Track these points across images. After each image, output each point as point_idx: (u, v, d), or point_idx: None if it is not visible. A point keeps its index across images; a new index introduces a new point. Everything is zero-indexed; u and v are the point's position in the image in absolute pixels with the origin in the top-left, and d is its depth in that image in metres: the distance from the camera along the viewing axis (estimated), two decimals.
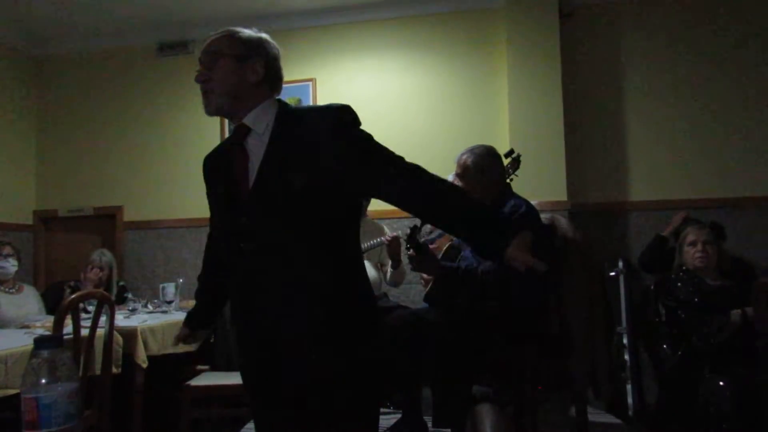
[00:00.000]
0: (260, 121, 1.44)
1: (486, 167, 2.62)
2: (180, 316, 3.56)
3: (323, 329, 1.34)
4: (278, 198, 1.35)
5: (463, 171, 2.66)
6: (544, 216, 2.66)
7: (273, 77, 1.50)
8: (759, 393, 2.55)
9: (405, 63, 4.27)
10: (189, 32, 4.53)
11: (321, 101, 4.29)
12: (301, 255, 1.34)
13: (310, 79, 4.31)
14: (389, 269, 3.41)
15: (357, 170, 1.39)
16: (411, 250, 2.51)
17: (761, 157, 3.84)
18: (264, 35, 1.54)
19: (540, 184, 3.75)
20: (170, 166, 4.53)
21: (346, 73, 4.33)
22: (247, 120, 1.44)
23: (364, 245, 3.32)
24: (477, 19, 4.15)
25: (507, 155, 2.80)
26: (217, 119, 4.43)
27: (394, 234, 3.23)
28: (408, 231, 2.57)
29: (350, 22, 4.33)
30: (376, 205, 3.88)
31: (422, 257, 2.53)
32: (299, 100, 4.31)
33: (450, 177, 2.73)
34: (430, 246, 2.97)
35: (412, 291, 3.96)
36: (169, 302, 3.74)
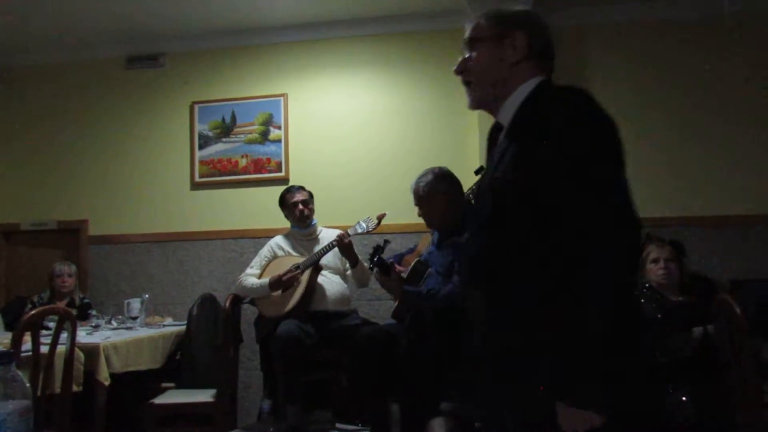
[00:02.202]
0: (508, 112, 1.29)
1: (438, 192, 2.66)
2: (145, 333, 3.50)
3: None
4: (489, 209, 1.24)
5: (418, 199, 2.70)
6: None
7: (539, 53, 1.29)
8: (721, 408, 2.60)
9: (376, 80, 4.30)
10: (159, 45, 4.49)
11: (292, 117, 4.29)
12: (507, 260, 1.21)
13: (282, 95, 4.31)
14: (350, 270, 3.41)
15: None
16: (375, 270, 2.52)
17: (722, 175, 3.95)
18: (529, 8, 1.39)
19: None
20: (137, 181, 4.46)
21: (318, 89, 4.34)
22: (501, 114, 1.31)
23: (316, 253, 3.31)
24: (447, 38, 4.19)
25: (477, 172, 2.83)
26: (185, 132, 4.39)
27: (341, 233, 3.23)
28: (371, 250, 2.59)
29: (323, 38, 4.35)
30: (340, 220, 3.89)
31: (385, 278, 2.54)
32: (270, 115, 4.30)
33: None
34: (398, 264, 2.98)
35: (381, 307, 3.95)
36: (134, 318, 3.67)
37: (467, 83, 1.34)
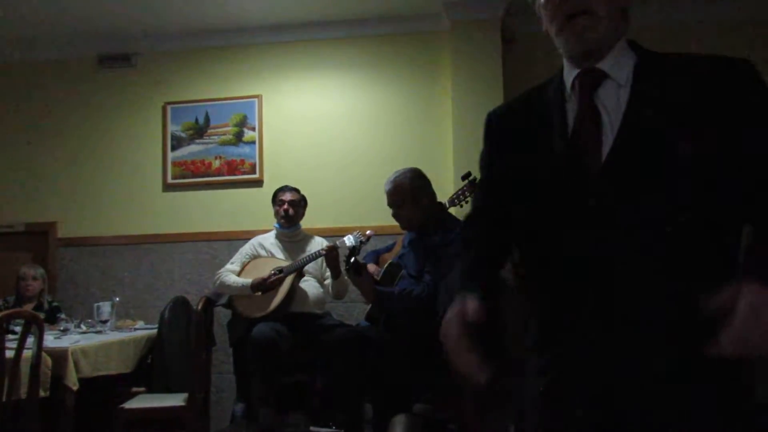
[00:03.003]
0: (621, 68, 1.07)
1: (416, 191, 2.67)
2: (115, 336, 3.45)
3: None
4: (653, 174, 0.99)
5: (394, 199, 2.71)
6: None
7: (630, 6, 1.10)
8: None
9: (351, 82, 4.30)
10: (132, 45, 4.43)
11: (267, 118, 4.27)
12: (688, 252, 0.99)
13: (257, 96, 4.28)
14: (330, 281, 3.42)
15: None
16: (349, 270, 2.53)
17: None
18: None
19: None
20: (108, 182, 4.39)
21: (292, 91, 4.33)
22: (605, 64, 1.07)
23: (302, 259, 3.32)
24: (422, 42, 4.23)
25: (464, 177, 2.85)
26: (158, 133, 4.34)
27: (331, 244, 3.24)
28: (347, 251, 2.59)
29: (298, 40, 4.34)
30: (315, 222, 3.88)
31: (358, 279, 2.54)
32: (244, 117, 4.27)
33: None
34: (375, 264, 2.99)
35: (355, 309, 3.95)
36: (104, 322, 3.61)
37: (581, 14, 1.04)
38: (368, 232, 3.19)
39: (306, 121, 4.29)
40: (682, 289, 0.98)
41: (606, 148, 1.03)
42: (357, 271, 2.59)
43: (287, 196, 3.52)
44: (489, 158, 1.24)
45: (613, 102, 1.05)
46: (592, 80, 1.08)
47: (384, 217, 3.16)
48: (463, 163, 3.79)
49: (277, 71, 4.35)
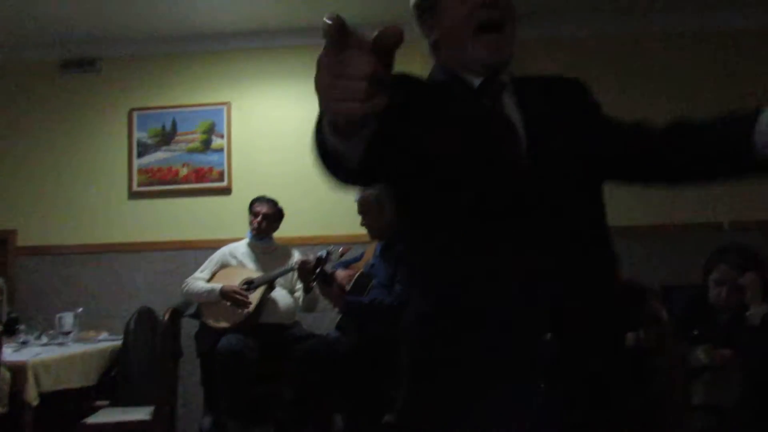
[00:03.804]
0: (507, 77, 1.17)
1: (384, 198, 2.68)
2: (78, 348, 3.36)
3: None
4: (567, 163, 1.10)
5: (364, 208, 2.71)
6: None
7: None
8: (650, 414, 2.71)
9: None
10: (96, 50, 4.34)
11: (236, 125, 4.23)
12: (593, 224, 1.14)
13: (225, 103, 4.24)
14: (301, 294, 3.40)
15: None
16: (317, 282, 2.52)
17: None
18: None
19: None
20: (71, 189, 4.28)
21: (262, 98, 4.30)
22: (506, 74, 1.17)
23: (274, 272, 3.29)
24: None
25: None
26: (123, 139, 4.26)
27: (303, 258, 3.21)
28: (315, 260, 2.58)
29: (266, 47, 4.31)
30: (284, 231, 3.85)
31: (327, 290, 2.53)
32: (213, 124, 4.22)
33: None
34: (343, 270, 2.98)
35: (325, 319, 3.93)
36: (67, 333, 3.53)
37: (501, 24, 1.10)
38: (342, 248, 3.17)
39: (276, 128, 4.26)
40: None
41: (522, 140, 1.09)
42: (325, 281, 2.58)
43: (263, 208, 3.48)
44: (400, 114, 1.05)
45: (513, 112, 1.12)
46: (499, 88, 1.15)
47: (354, 226, 3.15)
48: None
49: (247, 78, 4.31)
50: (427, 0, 1.18)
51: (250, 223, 3.50)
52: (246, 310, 3.21)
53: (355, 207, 2.86)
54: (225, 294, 3.23)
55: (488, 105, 1.13)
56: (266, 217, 3.47)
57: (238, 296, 3.22)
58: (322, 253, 3.00)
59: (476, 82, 1.15)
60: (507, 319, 1.00)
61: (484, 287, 1.02)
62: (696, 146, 1.09)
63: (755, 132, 0.97)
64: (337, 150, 0.89)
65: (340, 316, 2.98)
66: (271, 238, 3.56)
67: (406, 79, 1.17)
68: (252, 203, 3.55)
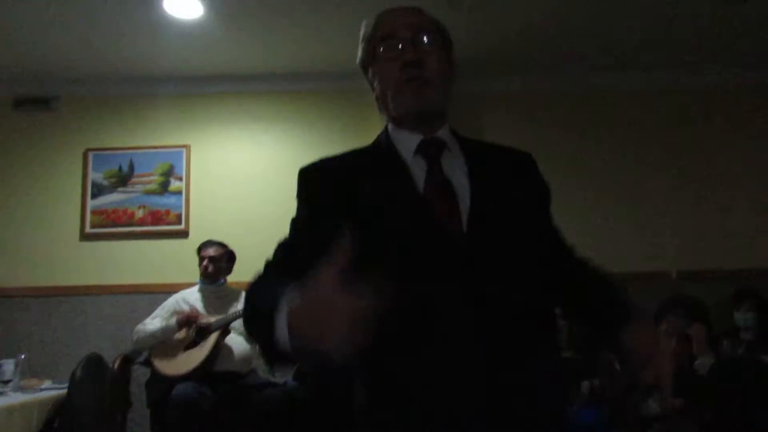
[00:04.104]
0: (452, 141, 1.18)
1: None
2: (21, 398, 3.18)
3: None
4: (511, 237, 1.09)
5: None
6: None
7: None
8: None
9: (282, 136, 4.32)
10: (51, 88, 4.27)
11: (195, 168, 4.19)
12: (542, 304, 1.12)
13: (185, 146, 4.21)
14: None
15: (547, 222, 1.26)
16: None
17: (615, 235, 4.17)
18: None
19: None
20: (16, 229, 4.13)
21: (220, 142, 4.29)
22: (443, 133, 1.18)
23: (228, 316, 3.23)
24: (352, 98, 4.29)
25: None
26: (77, 180, 4.15)
27: None
28: None
29: (225, 91, 4.33)
30: (241, 275, 3.80)
31: None
32: (171, 166, 4.17)
33: None
34: None
35: None
36: (6, 382, 3.34)
37: (419, 79, 1.12)
38: None
39: (235, 172, 4.24)
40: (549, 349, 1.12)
41: (464, 218, 1.07)
42: None
43: (209, 252, 3.45)
44: (311, 216, 1.20)
45: (456, 174, 1.12)
46: (436, 148, 1.15)
47: None
48: None
49: (208, 121, 4.31)
50: (365, 60, 1.23)
51: (199, 267, 3.47)
52: (199, 356, 3.13)
53: None
54: (181, 322, 3.18)
55: (425, 166, 1.13)
56: (212, 260, 3.44)
57: (191, 315, 3.19)
58: None
59: (416, 140, 1.16)
60: (442, 380, 1.00)
61: (413, 362, 1.02)
62: (584, 318, 1.32)
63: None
64: (287, 354, 0.89)
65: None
66: (223, 281, 3.50)
67: (315, 175, 1.25)
68: (199, 248, 3.53)
